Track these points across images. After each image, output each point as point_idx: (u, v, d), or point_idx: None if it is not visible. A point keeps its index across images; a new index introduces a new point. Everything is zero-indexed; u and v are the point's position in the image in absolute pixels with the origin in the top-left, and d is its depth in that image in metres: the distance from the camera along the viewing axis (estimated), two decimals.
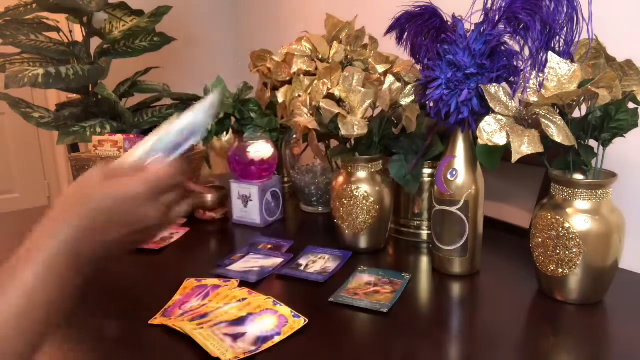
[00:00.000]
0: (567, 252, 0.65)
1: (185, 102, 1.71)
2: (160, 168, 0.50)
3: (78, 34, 1.81)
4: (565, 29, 0.65)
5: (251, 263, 0.84)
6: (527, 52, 0.66)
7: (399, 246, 0.94)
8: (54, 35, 1.59)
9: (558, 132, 0.60)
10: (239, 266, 0.83)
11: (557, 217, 0.66)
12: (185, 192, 0.53)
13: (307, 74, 1.01)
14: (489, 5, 0.69)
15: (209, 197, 1.08)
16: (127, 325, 0.66)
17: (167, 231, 1.02)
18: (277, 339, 0.60)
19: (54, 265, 0.43)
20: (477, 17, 0.71)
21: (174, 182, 0.50)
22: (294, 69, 1.04)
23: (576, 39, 0.65)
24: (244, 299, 0.70)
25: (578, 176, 0.69)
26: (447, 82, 0.71)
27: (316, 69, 1.02)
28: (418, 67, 0.81)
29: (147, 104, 1.74)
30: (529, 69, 0.65)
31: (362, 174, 0.86)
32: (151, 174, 0.49)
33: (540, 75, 0.63)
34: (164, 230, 0.49)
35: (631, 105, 0.65)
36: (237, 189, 1.06)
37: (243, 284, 0.76)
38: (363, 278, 0.78)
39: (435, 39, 0.74)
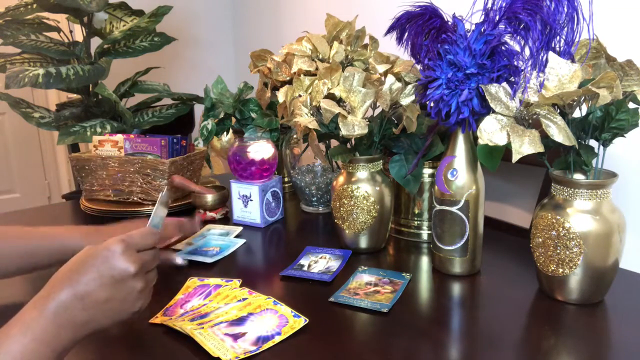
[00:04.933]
0: (567, 252, 0.65)
1: (185, 102, 1.71)
2: (135, 230, 0.56)
3: (78, 34, 1.82)
4: (565, 28, 0.65)
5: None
6: (527, 52, 0.66)
7: (399, 246, 0.94)
8: (54, 35, 1.59)
9: (558, 132, 0.60)
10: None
11: (558, 217, 0.66)
12: (157, 258, 0.58)
13: (307, 73, 1.01)
14: (489, 5, 0.69)
15: (209, 197, 1.08)
16: (127, 324, 0.66)
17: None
18: (277, 339, 0.60)
19: (38, 332, 0.45)
20: (478, 17, 0.71)
21: (147, 241, 0.55)
22: (294, 69, 1.04)
23: (577, 39, 0.65)
24: (244, 299, 0.70)
25: (578, 176, 0.69)
26: (447, 82, 0.71)
27: (316, 69, 1.02)
28: (418, 67, 0.81)
29: (147, 104, 1.74)
30: (529, 69, 0.65)
31: (362, 174, 0.86)
32: (126, 234, 0.54)
33: (541, 75, 0.63)
34: (144, 289, 0.53)
35: (632, 105, 0.65)
36: (237, 189, 1.06)
37: (244, 284, 0.76)
38: (363, 278, 0.78)
39: (436, 39, 0.74)
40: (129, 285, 0.51)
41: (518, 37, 0.68)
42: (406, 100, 0.84)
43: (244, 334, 0.61)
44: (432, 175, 0.91)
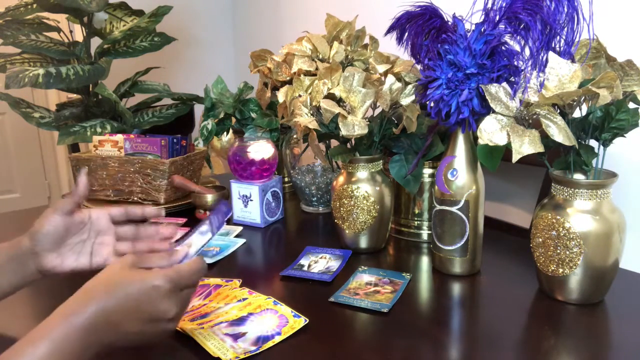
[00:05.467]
0: (567, 252, 0.65)
1: (185, 102, 1.71)
2: (183, 265, 0.52)
3: (78, 34, 1.82)
4: (565, 28, 0.65)
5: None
6: (527, 52, 0.66)
7: (399, 246, 0.94)
8: (54, 35, 1.59)
9: (558, 132, 0.60)
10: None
11: (558, 217, 0.66)
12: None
13: (307, 73, 1.01)
14: (489, 5, 0.69)
15: (209, 197, 1.08)
16: None
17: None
18: (277, 339, 0.60)
19: (66, 348, 0.44)
20: (478, 17, 0.71)
21: (193, 280, 0.53)
22: (295, 68, 1.04)
23: (577, 39, 0.65)
24: (244, 299, 0.70)
25: (578, 176, 0.69)
26: (447, 82, 0.71)
27: (316, 69, 1.02)
28: (418, 67, 0.81)
29: (147, 103, 1.74)
30: (529, 68, 0.65)
31: (362, 174, 0.86)
32: (174, 270, 0.51)
33: (541, 75, 0.63)
34: (175, 326, 0.52)
35: (632, 105, 0.65)
36: (237, 189, 1.06)
37: (244, 284, 0.76)
38: (363, 278, 0.78)
39: (436, 39, 0.74)
40: (163, 325, 0.50)
41: (518, 37, 0.68)
42: (406, 100, 0.84)
43: (244, 334, 0.61)
44: (432, 175, 0.91)
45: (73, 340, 0.45)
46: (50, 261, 0.62)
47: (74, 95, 1.80)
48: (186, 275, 0.51)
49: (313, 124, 0.84)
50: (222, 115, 1.30)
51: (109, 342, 0.47)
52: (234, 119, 1.31)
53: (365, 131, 0.80)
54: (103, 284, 0.49)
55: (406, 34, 0.77)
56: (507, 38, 0.69)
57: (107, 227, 0.67)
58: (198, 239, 0.59)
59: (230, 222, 1.09)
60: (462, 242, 0.77)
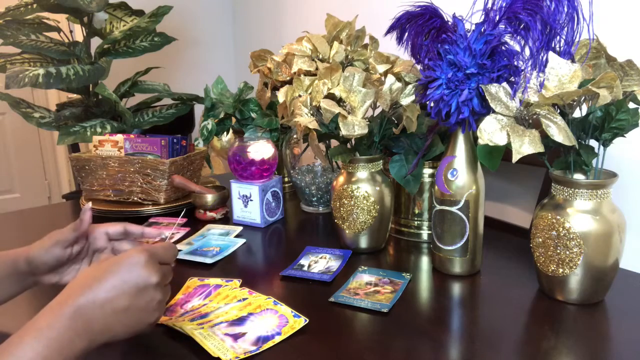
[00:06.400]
0: (567, 252, 0.65)
1: (185, 102, 1.71)
2: (158, 244, 0.58)
3: (78, 34, 1.82)
4: (565, 28, 0.65)
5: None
6: (527, 52, 0.66)
7: (399, 246, 0.94)
8: (54, 35, 1.59)
9: (558, 132, 0.60)
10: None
11: (558, 217, 0.66)
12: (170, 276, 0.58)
13: (307, 73, 1.01)
14: (489, 5, 0.69)
15: (209, 197, 1.08)
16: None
17: (169, 230, 1.02)
18: (277, 339, 0.60)
19: (54, 339, 0.44)
20: (478, 17, 0.71)
21: (168, 255, 0.57)
22: (295, 68, 1.04)
23: (577, 39, 0.65)
24: (244, 299, 0.70)
25: (578, 176, 0.69)
26: (447, 82, 0.71)
27: (316, 69, 1.02)
28: (418, 67, 0.81)
29: (147, 103, 1.74)
30: (529, 68, 0.65)
31: (362, 174, 0.86)
32: (148, 245, 0.55)
33: (541, 75, 0.63)
34: (164, 298, 0.54)
35: (632, 105, 0.65)
36: (237, 189, 1.06)
37: (244, 284, 0.76)
38: (363, 278, 0.78)
39: (436, 38, 0.74)
40: (150, 294, 0.51)
41: (518, 37, 0.68)
42: (406, 100, 0.84)
43: (244, 334, 0.61)
44: (432, 175, 0.91)
45: (59, 329, 0.45)
46: (48, 280, 0.65)
47: (74, 95, 1.80)
48: (159, 248, 0.55)
49: (313, 124, 0.84)
50: (222, 115, 1.30)
51: (101, 328, 0.48)
52: (234, 119, 1.31)
53: (365, 131, 0.80)
54: (89, 275, 0.50)
55: (406, 34, 0.77)
56: (507, 38, 0.69)
57: (104, 245, 0.70)
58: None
59: (230, 222, 1.09)
60: (462, 242, 0.77)
